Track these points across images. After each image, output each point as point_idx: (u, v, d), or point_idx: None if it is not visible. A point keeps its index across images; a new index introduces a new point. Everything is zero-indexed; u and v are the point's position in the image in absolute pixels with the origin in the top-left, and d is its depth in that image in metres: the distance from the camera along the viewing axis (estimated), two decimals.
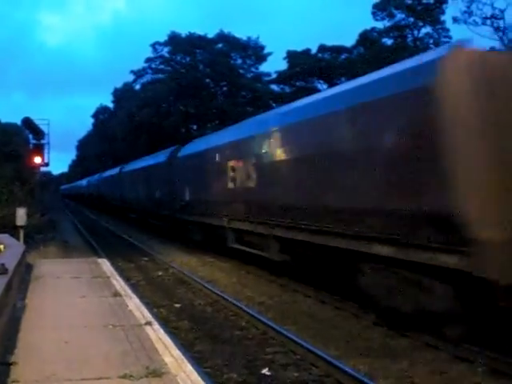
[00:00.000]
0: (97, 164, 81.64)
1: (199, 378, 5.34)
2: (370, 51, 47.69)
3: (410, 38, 49.68)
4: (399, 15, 48.59)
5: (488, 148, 7.52)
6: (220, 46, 60.53)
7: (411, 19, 48.46)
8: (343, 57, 53.45)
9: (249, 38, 60.58)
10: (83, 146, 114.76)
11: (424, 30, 49.19)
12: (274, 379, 7.35)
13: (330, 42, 54.44)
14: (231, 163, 16.52)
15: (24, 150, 28.17)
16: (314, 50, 54.52)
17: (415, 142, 8.36)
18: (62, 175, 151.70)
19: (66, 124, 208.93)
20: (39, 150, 23.36)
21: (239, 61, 61.68)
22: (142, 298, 10.66)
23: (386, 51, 44.31)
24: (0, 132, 31.89)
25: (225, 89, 61.60)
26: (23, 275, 11.00)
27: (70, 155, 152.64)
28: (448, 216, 7.61)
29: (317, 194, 11.38)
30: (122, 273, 14.40)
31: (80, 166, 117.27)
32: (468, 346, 8.14)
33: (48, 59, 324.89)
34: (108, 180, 47.90)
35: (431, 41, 48.65)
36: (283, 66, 56.04)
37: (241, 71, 61.19)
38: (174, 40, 61.19)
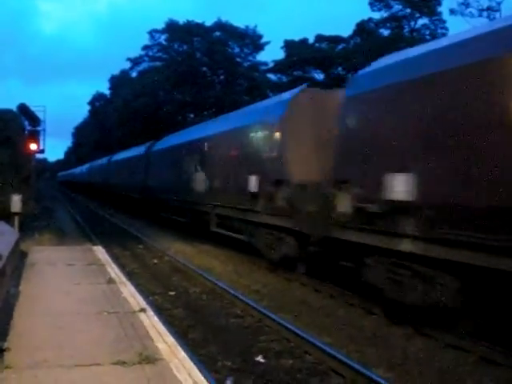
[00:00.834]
0: (93, 151, 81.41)
1: (193, 365, 5.34)
2: (366, 42, 47.60)
3: (406, 29, 49.74)
4: (396, 6, 48.72)
5: None
6: (218, 34, 60.30)
7: (408, 10, 48.48)
8: (340, 47, 53.39)
9: (247, 26, 60.51)
10: (79, 133, 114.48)
11: (421, 21, 49.35)
12: (267, 366, 7.37)
13: (327, 32, 54.60)
14: (181, 158, 22.50)
15: (19, 136, 28.00)
16: (311, 40, 54.58)
17: None
18: (58, 162, 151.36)
19: (62, 111, 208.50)
20: (35, 136, 23.26)
21: (237, 49, 61.53)
22: (136, 285, 10.66)
23: (383, 42, 44.25)
24: None
25: (222, 77, 61.40)
26: (17, 262, 10.98)
27: (66, 142, 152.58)
28: None
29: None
30: (116, 260, 14.38)
31: (76, 153, 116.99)
32: (461, 335, 8.19)
33: (44, 46, 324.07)
34: (102, 167, 50.11)
35: (428, 32, 48.65)
36: (280, 55, 56.17)
37: (238, 60, 61.04)
38: (171, 28, 60.92)
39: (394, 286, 9.17)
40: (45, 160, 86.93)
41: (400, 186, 8.62)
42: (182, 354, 5.66)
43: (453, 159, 7.73)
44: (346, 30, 58.72)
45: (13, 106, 25.55)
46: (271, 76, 58.52)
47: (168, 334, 6.43)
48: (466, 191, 7.50)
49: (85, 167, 69.03)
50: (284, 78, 55.85)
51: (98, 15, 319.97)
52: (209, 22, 60.42)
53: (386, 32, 49.76)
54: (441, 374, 7.09)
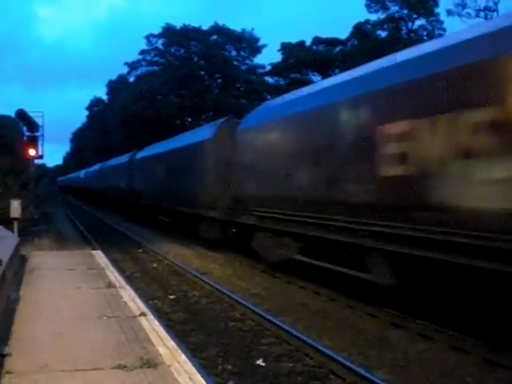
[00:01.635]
0: (93, 156, 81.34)
1: (194, 369, 5.35)
2: (364, 43, 47.63)
3: (404, 31, 49.71)
4: (393, 7, 48.73)
5: None
6: (214, 38, 60.25)
7: (405, 11, 48.47)
8: (338, 49, 53.44)
9: (243, 30, 60.42)
10: (78, 138, 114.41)
11: (418, 22, 49.32)
12: (268, 370, 7.37)
13: (324, 35, 54.51)
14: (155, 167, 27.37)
15: (18, 142, 28.02)
16: (308, 42, 54.60)
17: None
18: (57, 167, 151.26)
19: (60, 116, 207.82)
20: (33, 142, 23.25)
21: (234, 53, 61.49)
22: (136, 289, 10.66)
23: (381, 43, 44.30)
24: None
25: (219, 81, 61.44)
26: (17, 267, 10.98)
27: (65, 147, 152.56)
28: None
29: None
30: (116, 264, 14.39)
31: (75, 159, 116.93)
32: (463, 337, 8.19)
33: (44, 52, 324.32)
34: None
35: (425, 33, 48.67)
36: (278, 58, 56.17)
37: (235, 63, 61.02)
38: (168, 32, 60.91)
39: (263, 249, 14.82)
40: (43, 165, 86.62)
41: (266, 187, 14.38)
42: (183, 357, 5.67)
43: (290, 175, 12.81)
44: (343, 32, 58.86)
45: (13, 111, 25.54)
46: (269, 79, 58.54)
47: (168, 337, 6.43)
48: (285, 191, 13.00)
49: (83, 172, 70.03)
50: (282, 81, 55.89)
51: (97, 20, 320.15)
52: (205, 26, 60.43)
53: (383, 33, 49.80)
54: (443, 376, 7.08)
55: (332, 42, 53.56)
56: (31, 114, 24.55)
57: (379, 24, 49.60)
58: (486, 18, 36.72)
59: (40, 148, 23.92)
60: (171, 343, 6.19)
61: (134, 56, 67.96)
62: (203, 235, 19.71)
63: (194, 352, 7.95)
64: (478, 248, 7.20)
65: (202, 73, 60.88)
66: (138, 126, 57.42)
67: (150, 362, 5.38)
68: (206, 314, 10.50)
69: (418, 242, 8.32)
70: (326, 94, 11.79)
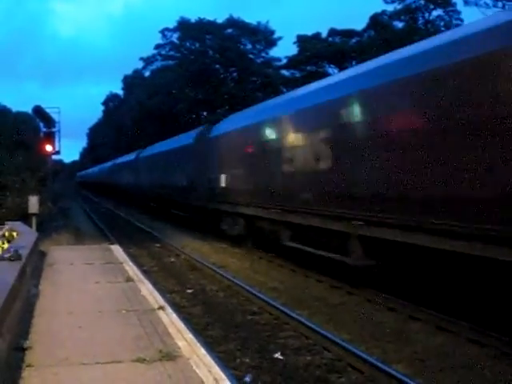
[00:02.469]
0: (108, 151, 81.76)
1: (212, 362, 5.36)
2: (381, 35, 47.20)
3: (421, 21, 49.12)
4: None
5: None
6: (229, 31, 60.06)
7: (422, 2, 47.84)
8: (354, 41, 52.97)
9: (258, 22, 60.09)
10: (94, 133, 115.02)
11: (435, 13, 48.60)
12: (286, 363, 7.37)
13: (340, 26, 54.02)
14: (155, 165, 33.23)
15: (35, 138, 28.19)
16: (324, 34, 54.11)
17: None
18: (74, 163, 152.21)
19: (77, 112, 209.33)
20: (50, 137, 23.34)
21: (249, 46, 61.19)
22: (154, 283, 10.69)
23: (398, 34, 43.88)
24: (11, 121, 31.94)
25: (234, 74, 61.26)
26: (36, 262, 11.06)
27: (81, 143, 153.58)
28: None
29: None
30: (134, 259, 14.46)
31: (91, 154, 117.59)
32: (482, 330, 8.13)
33: (60, 48, 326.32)
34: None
35: (442, 23, 48.10)
36: (293, 50, 55.70)
37: (251, 56, 60.78)
38: (183, 26, 60.87)
39: (228, 228, 19.05)
40: (60, 161, 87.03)
41: (223, 181, 19.31)
42: (202, 350, 5.68)
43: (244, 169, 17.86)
44: (359, 24, 58.35)
45: (29, 108, 25.67)
46: (284, 72, 58.25)
47: (187, 331, 6.45)
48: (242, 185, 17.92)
49: (100, 167, 70.88)
50: (297, 74, 55.60)
51: (113, 16, 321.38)
52: (220, 19, 60.27)
53: (400, 24, 49.28)
54: (462, 369, 7.04)
55: (348, 34, 53.05)
56: (48, 110, 24.66)
57: (396, 15, 49.03)
58: (503, 7, 36.12)
59: (57, 144, 24.00)
60: (190, 336, 6.20)
61: (149, 51, 68.22)
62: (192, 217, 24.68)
63: (212, 345, 7.97)
64: None
65: (217, 66, 60.73)
66: (154, 121, 57.52)
67: (169, 355, 5.40)
68: (223, 308, 10.53)
69: None
70: (259, 112, 17.56)
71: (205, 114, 59.75)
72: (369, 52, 39.91)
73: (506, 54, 7.53)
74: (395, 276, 10.43)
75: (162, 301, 8.07)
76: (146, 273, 12.45)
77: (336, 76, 16.81)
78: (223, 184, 19.28)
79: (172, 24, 62.74)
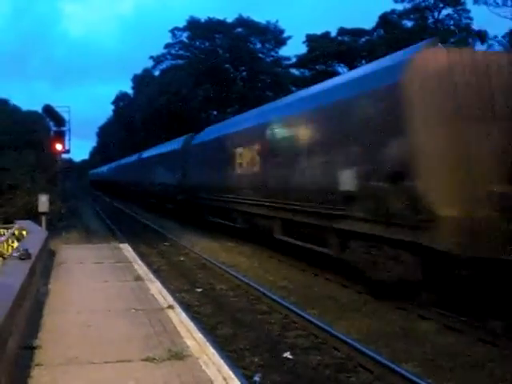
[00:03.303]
0: (118, 151, 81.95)
1: (221, 361, 5.35)
2: (390, 34, 47.07)
3: (430, 20, 48.95)
4: None
5: None
6: (239, 30, 60.07)
7: (431, 1, 47.72)
8: (363, 40, 52.86)
9: (268, 21, 60.11)
10: (104, 132, 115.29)
11: (444, 12, 48.47)
12: (296, 363, 7.34)
13: (349, 25, 53.94)
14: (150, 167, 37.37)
15: (45, 137, 28.31)
16: (333, 34, 54.11)
17: None
18: (84, 162, 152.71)
19: (87, 111, 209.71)
20: (60, 136, 23.42)
21: (258, 45, 61.23)
22: (163, 282, 10.71)
23: (407, 33, 43.72)
24: (21, 120, 32.10)
25: (244, 73, 61.29)
26: (46, 261, 11.11)
27: (91, 142, 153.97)
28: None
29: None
30: (143, 258, 14.48)
31: (101, 153, 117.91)
32: (491, 328, 8.08)
33: (70, 48, 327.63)
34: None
35: (452, 22, 47.93)
36: (303, 49, 55.71)
37: (260, 55, 60.80)
38: (193, 25, 60.95)
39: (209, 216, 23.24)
40: (70, 160, 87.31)
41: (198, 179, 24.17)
42: (211, 350, 5.67)
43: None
44: (368, 23, 58.18)
45: (40, 107, 25.73)
46: (294, 71, 58.23)
47: (196, 330, 6.45)
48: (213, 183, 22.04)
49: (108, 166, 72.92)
50: (307, 73, 55.56)
51: (123, 16, 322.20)
52: (230, 19, 60.27)
53: (409, 23, 49.16)
54: (472, 368, 6.99)
55: (358, 33, 52.98)
56: (58, 109, 24.79)
57: (405, 14, 48.94)
58: None
59: (67, 142, 24.10)
60: (199, 336, 6.20)
61: (158, 50, 68.12)
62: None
63: (222, 344, 7.96)
64: None
65: (227, 65, 60.75)
66: (164, 120, 57.58)
67: (179, 355, 5.40)
68: (233, 307, 10.51)
69: None
70: (221, 128, 22.91)
71: (215, 113, 59.79)
72: (378, 51, 39.76)
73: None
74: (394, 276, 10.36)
75: (171, 300, 8.08)
76: (155, 272, 12.47)
77: (266, 106, 20.11)
78: (198, 182, 24.32)
79: (182, 23, 62.90)
